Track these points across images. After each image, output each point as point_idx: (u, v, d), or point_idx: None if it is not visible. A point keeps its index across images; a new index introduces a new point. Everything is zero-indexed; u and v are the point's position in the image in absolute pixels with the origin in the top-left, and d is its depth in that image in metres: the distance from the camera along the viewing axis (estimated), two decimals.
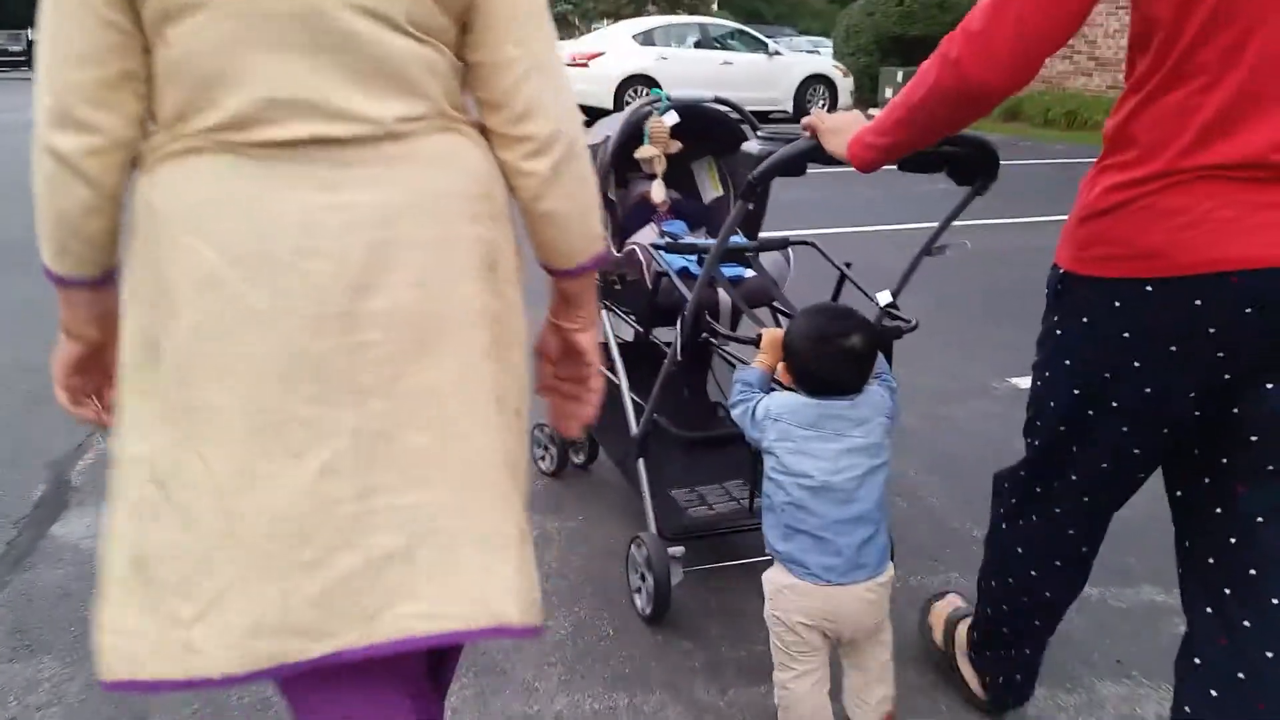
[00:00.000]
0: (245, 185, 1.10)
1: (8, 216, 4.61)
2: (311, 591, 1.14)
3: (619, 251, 2.69)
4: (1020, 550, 1.80)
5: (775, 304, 2.58)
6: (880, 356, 1.85)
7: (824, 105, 15.50)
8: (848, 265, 2.46)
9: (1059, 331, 1.58)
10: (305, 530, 1.13)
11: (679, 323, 2.23)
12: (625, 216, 2.93)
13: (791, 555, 1.76)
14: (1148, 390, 1.47)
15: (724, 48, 15.40)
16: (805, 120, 1.78)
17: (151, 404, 1.14)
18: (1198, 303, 1.36)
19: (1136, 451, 1.56)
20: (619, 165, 2.85)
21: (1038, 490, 1.73)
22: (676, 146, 2.84)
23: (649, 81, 14.36)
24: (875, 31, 17.74)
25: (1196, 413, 1.47)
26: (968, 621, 2.04)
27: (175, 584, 1.13)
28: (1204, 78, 1.31)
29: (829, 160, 1.72)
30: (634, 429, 2.49)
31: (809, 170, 1.82)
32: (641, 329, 2.64)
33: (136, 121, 1.11)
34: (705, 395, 3.13)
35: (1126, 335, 1.45)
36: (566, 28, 24.42)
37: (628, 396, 2.56)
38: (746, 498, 2.51)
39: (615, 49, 14.67)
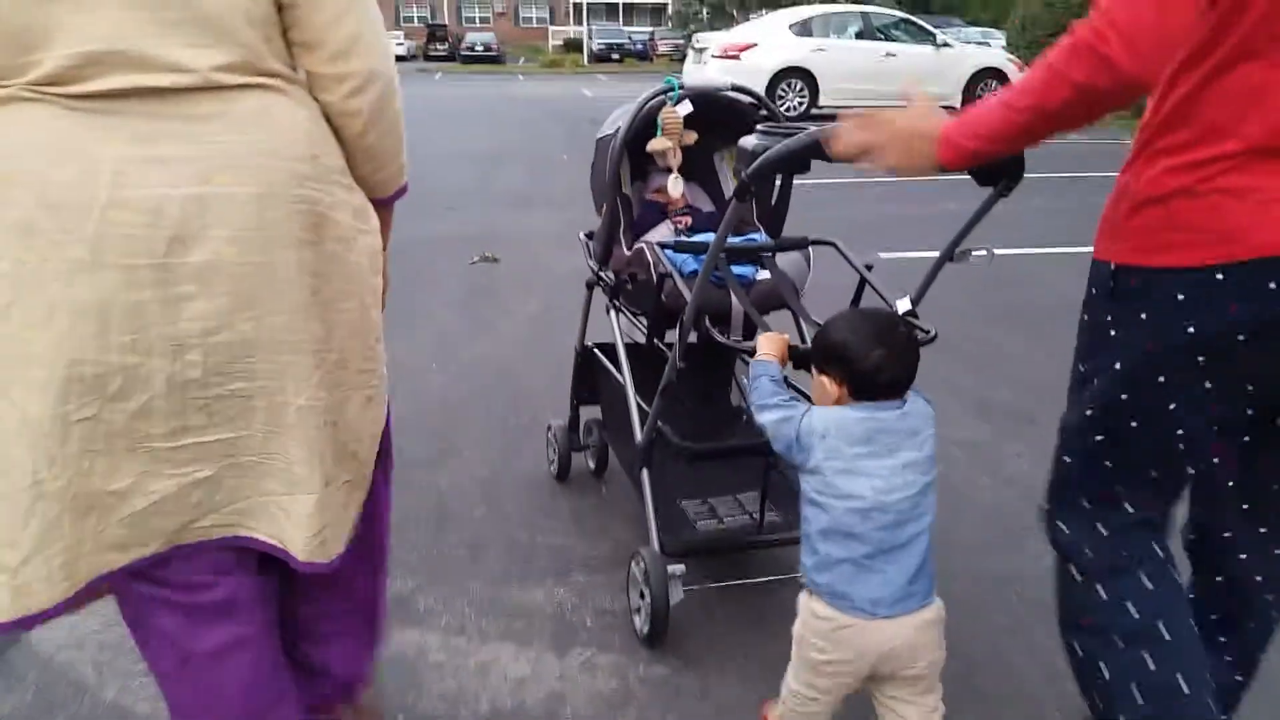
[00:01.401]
0: (63, 135, 1.14)
1: None
2: (124, 513, 1.28)
3: (629, 250, 2.55)
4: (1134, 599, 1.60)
5: (790, 309, 2.36)
6: None
7: None
8: (869, 268, 2.32)
9: (1112, 333, 1.49)
10: (118, 466, 1.25)
11: (678, 327, 2.11)
12: (640, 213, 2.78)
13: (833, 588, 1.62)
14: (1208, 386, 1.42)
15: (887, 39, 14.85)
16: (857, 118, 1.57)
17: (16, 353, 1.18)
18: (1273, 285, 1.30)
19: (1188, 464, 1.53)
20: (634, 158, 2.72)
21: (1089, 505, 1.64)
22: (692, 138, 2.68)
23: (804, 75, 13.97)
24: (1055, 23, 16.53)
25: (1249, 411, 1.46)
26: None
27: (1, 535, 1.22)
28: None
29: (834, 159, 1.61)
30: (638, 437, 2.35)
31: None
32: (648, 333, 2.47)
33: None
34: (727, 402, 2.97)
35: (1191, 330, 1.38)
36: (723, 18, 23.91)
37: (633, 402, 2.43)
38: (759, 512, 2.40)
39: (769, 40, 14.40)
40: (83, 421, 1.21)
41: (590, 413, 3.06)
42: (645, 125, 2.60)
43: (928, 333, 1.99)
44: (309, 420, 1.36)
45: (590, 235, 2.76)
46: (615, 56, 37.01)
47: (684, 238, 2.63)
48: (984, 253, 2.01)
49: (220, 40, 1.19)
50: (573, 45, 40.50)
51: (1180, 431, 1.48)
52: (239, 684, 1.47)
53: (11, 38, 1.10)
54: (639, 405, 2.41)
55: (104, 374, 1.19)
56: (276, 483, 1.38)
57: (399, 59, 37.93)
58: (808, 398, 1.79)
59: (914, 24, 15.45)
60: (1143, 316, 1.44)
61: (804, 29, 14.53)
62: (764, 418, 1.71)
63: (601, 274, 2.65)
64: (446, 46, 39.65)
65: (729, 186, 2.88)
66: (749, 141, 1.75)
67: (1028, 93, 1.34)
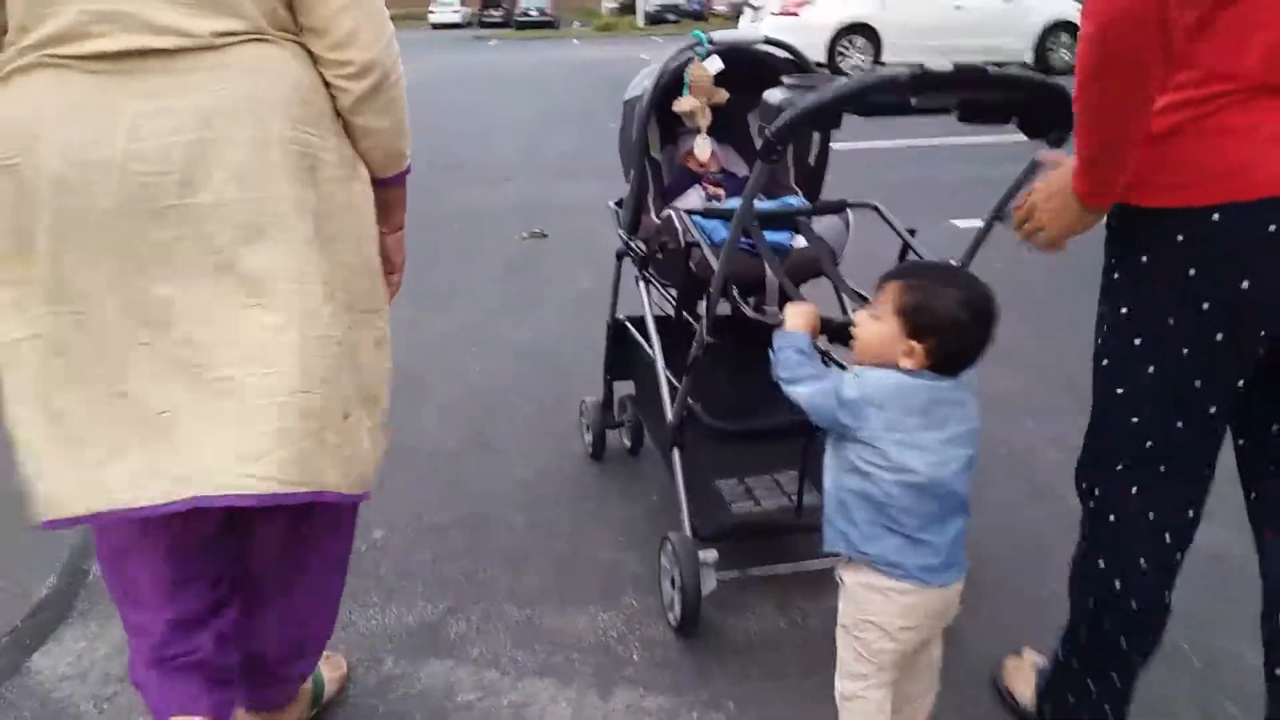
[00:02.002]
0: (78, 96, 1.27)
1: None
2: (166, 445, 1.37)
3: (658, 217, 2.41)
4: (1131, 532, 1.58)
5: (829, 277, 2.23)
6: None
7: (1069, 56, 13.92)
8: (911, 233, 2.19)
9: (1115, 275, 1.48)
10: (168, 391, 1.36)
11: (705, 298, 2.00)
12: (671, 179, 2.62)
13: (885, 557, 1.55)
14: (1219, 337, 1.38)
15: None
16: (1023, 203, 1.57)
17: (32, 289, 1.32)
18: (1273, 228, 1.28)
19: (1213, 410, 1.45)
20: (663, 120, 2.57)
21: (1122, 467, 1.56)
22: (723, 96, 2.51)
23: (868, 32, 13.46)
24: None
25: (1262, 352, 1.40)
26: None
27: (85, 436, 1.36)
28: None
29: (870, 109, 1.58)
30: (669, 415, 2.23)
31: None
32: (677, 305, 2.34)
33: None
34: (767, 379, 2.79)
35: (1192, 273, 1.35)
36: None
37: (663, 378, 2.30)
38: (797, 494, 2.28)
39: None
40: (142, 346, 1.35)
41: (626, 389, 2.90)
42: (673, 84, 2.47)
43: None
44: (325, 346, 1.42)
45: (620, 203, 2.62)
46: (671, 18, 36.42)
47: (717, 204, 2.46)
48: None
49: (222, 11, 1.31)
50: (627, 8, 39.90)
51: (1198, 383, 1.42)
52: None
53: None
54: (669, 381, 2.28)
55: (147, 300, 1.33)
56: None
57: (454, 26, 38.79)
58: (844, 369, 1.72)
59: None
60: (1143, 260, 1.41)
61: None
62: (795, 391, 1.61)
63: (631, 243, 2.52)
64: (501, 13, 39.43)
65: None
66: (774, 95, 1.63)
67: (1080, 101, 1.33)
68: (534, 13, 37.29)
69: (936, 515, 1.53)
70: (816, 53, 12.58)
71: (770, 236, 2.24)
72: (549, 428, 3.22)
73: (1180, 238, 1.35)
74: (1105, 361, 1.53)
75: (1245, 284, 1.32)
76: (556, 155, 8.43)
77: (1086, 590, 1.66)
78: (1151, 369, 1.44)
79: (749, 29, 14.70)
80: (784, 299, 2.04)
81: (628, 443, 2.99)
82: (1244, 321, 1.36)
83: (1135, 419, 1.50)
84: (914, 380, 1.51)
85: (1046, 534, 2.44)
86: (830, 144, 2.60)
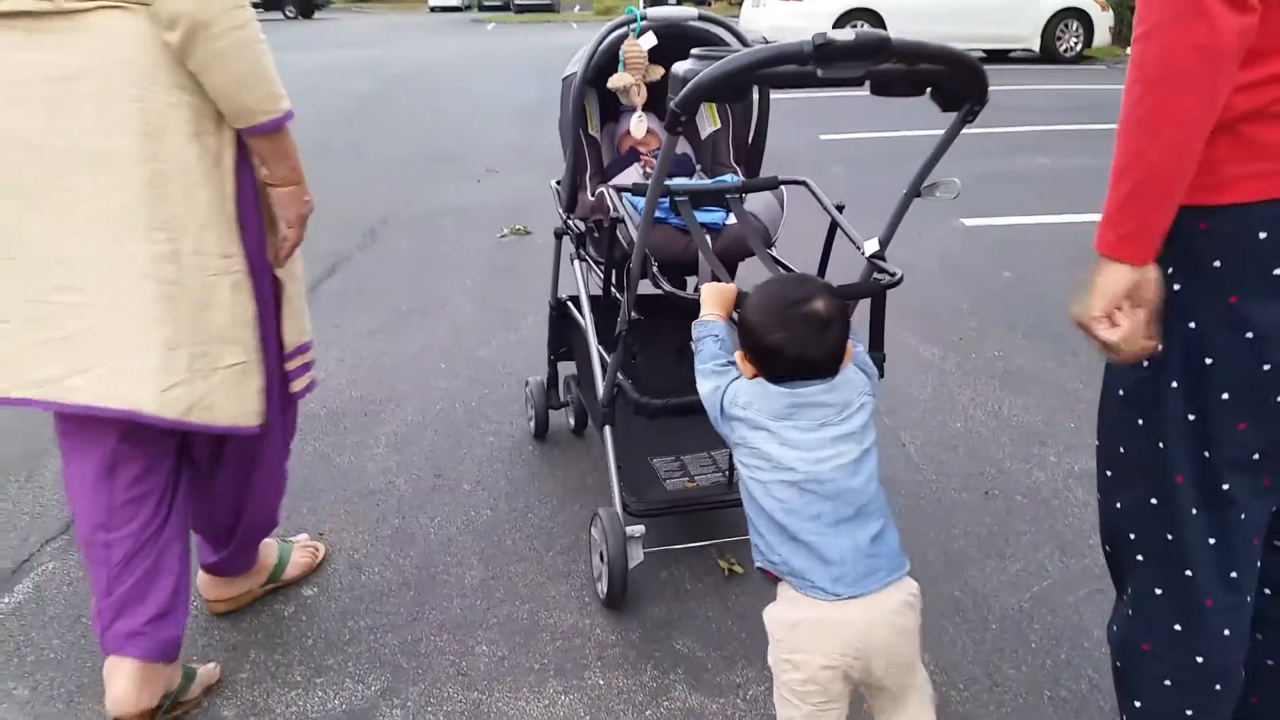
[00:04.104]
0: None
1: None
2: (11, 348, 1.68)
3: (593, 195, 2.45)
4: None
5: (758, 257, 2.20)
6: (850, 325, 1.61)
7: (1077, 44, 13.58)
8: (839, 209, 2.20)
9: (1176, 286, 1.24)
10: (24, 302, 1.64)
11: (624, 275, 2.02)
12: (611, 156, 2.63)
13: (790, 567, 1.49)
14: None
15: None
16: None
17: None
18: None
19: None
20: (603, 98, 2.61)
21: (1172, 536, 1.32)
22: (658, 73, 2.51)
23: (871, 17, 13.20)
24: None
25: None
26: None
27: None
28: None
29: (774, 81, 1.60)
30: (600, 392, 2.26)
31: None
32: (604, 282, 2.35)
33: None
34: None
35: (1278, 272, 1.17)
36: None
37: (595, 355, 2.33)
38: (728, 469, 2.31)
39: None
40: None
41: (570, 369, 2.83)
42: (607, 61, 2.48)
43: (894, 275, 1.90)
44: (147, 283, 1.65)
45: (560, 182, 2.61)
46: (671, 1, 35.92)
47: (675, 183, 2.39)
48: (952, 184, 1.92)
49: None
50: None
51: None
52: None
53: None
54: (602, 359, 2.30)
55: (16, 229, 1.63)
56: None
57: (453, 9, 38.21)
58: None
59: None
60: (1215, 265, 1.21)
61: None
62: (700, 387, 1.63)
63: (569, 221, 2.51)
64: None
65: (704, 124, 2.71)
66: (680, 67, 1.67)
67: (1128, 142, 1.16)
68: None
69: (833, 518, 1.47)
70: None
71: (707, 215, 2.29)
72: (515, 461, 2.90)
73: (1263, 235, 1.17)
74: (1175, 384, 1.28)
75: None
76: (547, 146, 8.08)
77: None
78: (1227, 395, 1.24)
79: (752, 14, 14.36)
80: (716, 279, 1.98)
81: (571, 422, 3.01)
82: None
83: (1207, 454, 1.29)
84: (775, 387, 1.51)
85: None
86: (767, 121, 2.64)
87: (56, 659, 2.07)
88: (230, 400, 1.75)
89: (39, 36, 1.53)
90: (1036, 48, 13.64)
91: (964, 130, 1.75)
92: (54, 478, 2.74)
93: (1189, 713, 1.37)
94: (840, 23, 13.15)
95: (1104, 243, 1.20)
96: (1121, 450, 1.37)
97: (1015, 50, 13.82)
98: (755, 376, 1.54)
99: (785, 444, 1.49)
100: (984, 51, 13.05)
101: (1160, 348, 1.24)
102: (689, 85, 1.55)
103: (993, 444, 2.95)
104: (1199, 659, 1.34)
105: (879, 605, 1.46)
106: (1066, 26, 13.71)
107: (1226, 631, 1.33)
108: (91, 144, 1.57)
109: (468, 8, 39.11)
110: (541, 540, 2.49)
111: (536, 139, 8.22)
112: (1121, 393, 1.35)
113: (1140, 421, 1.32)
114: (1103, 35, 13.86)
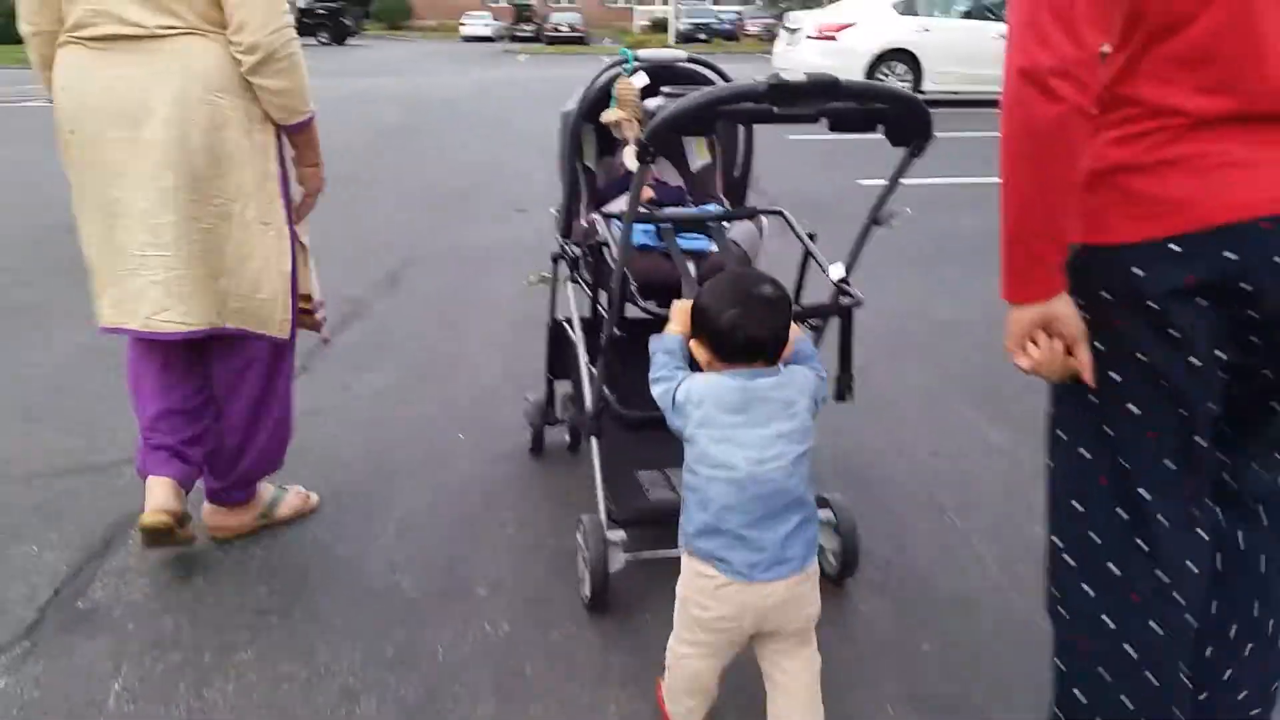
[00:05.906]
0: (85, 64, 2.17)
1: None
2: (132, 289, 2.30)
3: (586, 222, 2.61)
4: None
5: None
6: (807, 340, 1.85)
7: None
8: (811, 237, 2.41)
9: (1086, 316, 1.40)
10: (129, 255, 2.26)
11: (607, 295, 2.17)
12: (606, 185, 2.81)
13: (712, 553, 1.67)
14: (1193, 361, 1.35)
15: (998, 18, 13.44)
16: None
17: (80, 191, 2.28)
18: (1228, 255, 1.27)
19: (1200, 440, 1.42)
20: (602, 133, 2.77)
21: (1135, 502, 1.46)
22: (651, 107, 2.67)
23: (908, 58, 12.99)
24: None
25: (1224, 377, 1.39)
26: None
27: (104, 277, 2.33)
28: (1188, 24, 1.24)
29: (735, 116, 2.01)
30: (589, 407, 2.38)
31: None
32: (593, 303, 2.48)
33: (57, 21, 2.19)
34: None
35: (1155, 306, 1.33)
36: None
37: (584, 372, 2.46)
38: None
39: (869, 19, 13.44)
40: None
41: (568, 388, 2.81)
42: (601, 97, 2.66)
43: (857, 298, 2.14)
44: (206, 241, 2.29)
45: (558, 209, 2.79)
46: (702, 37, 35.94)
47: (641, 209, 2.49)
48: (903, 211, 2.14)
49: (164, 12, 2.13)
50: (659, 25, 39.42)
51: (1183, 410, 1.39)
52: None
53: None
54: (590, 374, 2.42)
55: (114, 200, 2.24)
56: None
57: (484, 39, 38.51)
58: None
59: None
60: (1106, 297, 1.38)
61: (908, 7, 13.44)
62: (653, 391, 1.76)
63: (565, 246, 2.65)
64: (532, 28, 39.13)
65: (693, 158, 2.90)
66: (651, 103, 1.98)
67: (1004, 204, 1.34)
68: (565, 28, 36.94)
69: (763, 514, 1.64)
70: (855, 77, 11.95)
71: (693, 242, 2.45)
72: (538, 560, 2.57)
73: (1139, 271, 1.33)
74: (1097, 403, 1.46)
75: (1206, 306, 1.32)
76: None
77: None
78: (1136, 407, 1.42)
79: (785, 52, 14.16)
80: None
81: (567, 439, 3.14)
82: (1209, 347, 1.35)
83: (1123, 461, 1.46)
84: (729, 380, 1.66)
85: None
86: (752, 155, 2.80)
87: None
88: (269, 320, 2.41)
89: (131, 55, 2.15)
90: None
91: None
92: (16, 567, 2.45)
93: (1123, 698, 1.48)
94: (876, 65, 12.98)
95: (1002, 288, 1.39)
96: (1056, 464, 1.55)
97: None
98: (709, 363, 1.70)
99: (731, 442, 1.65)
100: None
101: (1087, 369, 1.39)
102: (654, 120, 1.77)
103: None
104: (1130, 649, 1.47)
105: (777, 588, 1.66)
106: None
107: (1153, 624, 1.45)
108: (171, 136, 2.16)
109: (500, 38, 39.32)
110: (564, 663, 2.16)
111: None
112: (1053, 411, 1.54)
113: (1065, 437, 1.51)
114: None
